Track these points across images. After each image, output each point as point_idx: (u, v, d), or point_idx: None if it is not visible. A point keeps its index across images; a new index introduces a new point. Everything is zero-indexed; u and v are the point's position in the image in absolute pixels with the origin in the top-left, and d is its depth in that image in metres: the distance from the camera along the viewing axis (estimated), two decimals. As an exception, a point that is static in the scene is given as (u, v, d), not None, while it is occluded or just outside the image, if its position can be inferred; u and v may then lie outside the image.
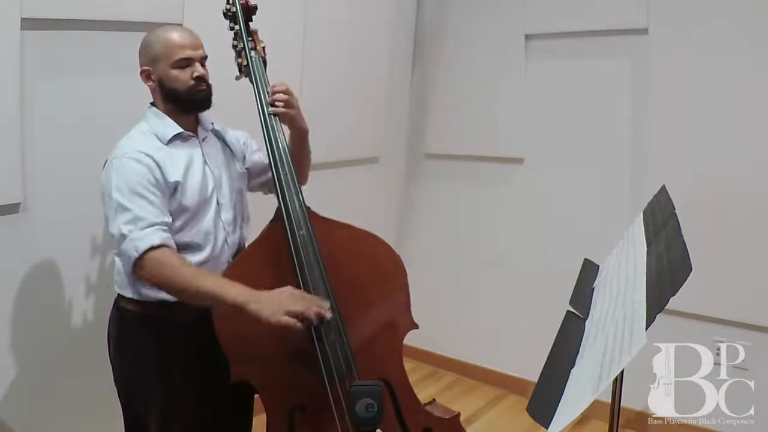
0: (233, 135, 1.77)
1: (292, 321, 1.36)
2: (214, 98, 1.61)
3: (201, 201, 1.58)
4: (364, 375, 1.54)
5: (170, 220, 1.49)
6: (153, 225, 1.43)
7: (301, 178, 1.80)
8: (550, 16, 2.84)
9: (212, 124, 1.71)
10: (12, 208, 1.81)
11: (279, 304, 1.37)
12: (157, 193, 1.47)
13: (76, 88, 1.91)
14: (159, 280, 1.42)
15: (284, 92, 1.63)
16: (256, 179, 1.81)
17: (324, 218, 1.62)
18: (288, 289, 1.43)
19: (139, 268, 1.41)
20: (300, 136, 1.73)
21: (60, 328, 1.98)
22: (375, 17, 2.99)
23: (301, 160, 1.76)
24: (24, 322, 1.87)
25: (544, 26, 2.87)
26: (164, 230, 1.45)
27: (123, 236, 1.42)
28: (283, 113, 1.64)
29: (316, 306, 1.41)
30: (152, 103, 1.61)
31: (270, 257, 1.57)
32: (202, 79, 1.56)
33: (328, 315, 1.43)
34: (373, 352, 1.64)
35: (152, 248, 1.40)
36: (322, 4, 2.66)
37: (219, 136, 1.73)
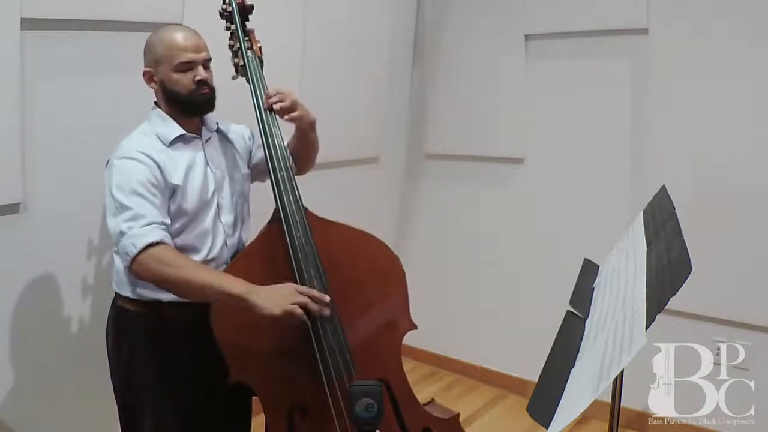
0: (237, 132, 1.77)
1: (291, 308, 1.38)
2: (212, 98, 1.60)
3: (201, 204, 1.58)
4: (362, 375, 1.54)
5: (169, 221, 1.49)
6: (152, 223, 1.43)
7: (309, 164, 1.86)
8: (550, 16, 2.83)
9: (217, 124, 1.71)
10: (12, 208, 1.80)
11: (280, 296, 1.39)
12: (157, 194, 1.47)
13: (76, 88, 1.91)
14: (157, 276, 1.41)
15: (279, 95, 1.62)
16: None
17: (321, 219, 1.62)
18: (289, 284, 1.45)
19: (137, 264, 1.40)
20: (309, 129, 1.73)
21: (60, 328, 1.97)
22: (375, 17, 2.99)
23: (310, 150, 1.81)
24: (24, 323, 1.87)
25: (544, 26, 2.87)
26: (163, 229, 1.45)
27: (122, 233, 1.41)
28: (287, 112, 1.62)
29: (317, 298, 1.43)
30: (156, 104, 1.61)
31: (267, 258, 1.57)
32: (204, 83, 1.55)
33: (326, 312, 1.45)
34: (372, 353, 1.64)
35: (151, 245, 1.40)
36: (322, 4, 2.65)
37: (223, 136, 1.73)
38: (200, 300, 1.48)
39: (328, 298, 1.46)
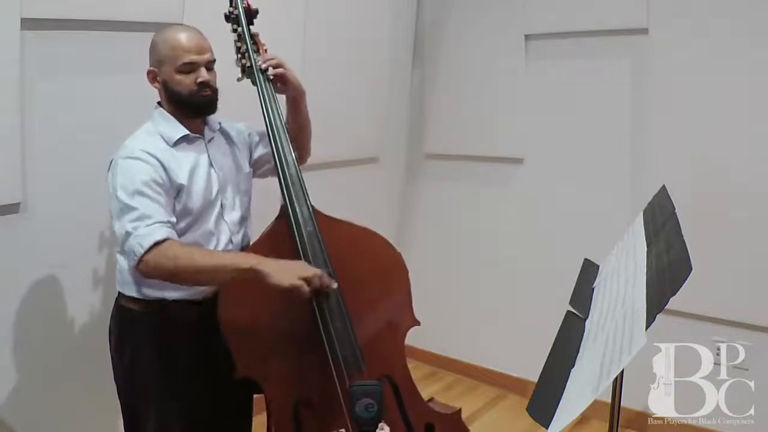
0: (238, 129, 1.78)
1: (299, 283, 1.39)
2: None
3: (205, 204, 1.58)
4: (370, 370, 1.56)
5: (175, 220, 1.50)
6: (158, 222, 1.43)
7: (305, 150, 1.86)
8: (550, 16, 2.83)
9: (219, 124, 1.71)
10: (12, 208, 1.81)
11: (289, 269, 1.41)
12: (161, 193, 1.48)
13: (76, 88, 1.91)
14: (165, 271, 1.42)
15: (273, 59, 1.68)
16: (268, 165, 1.81)
17: (328, 216, 1.65)
18: (300, 261, 1.48)
19: (145, 263, 1.41)
20: (299, 97, 1.76)
21: (61, 328, 1.97)
22: (375, 17, 2.99)
23: (303, 129, 1.81)
24: (25, 323, 1.87)
25: (544, 26, 2.87)
26: (169, 227, 1.45)
27: (128, 234, 1.42)
28: (280, 73, 1.67)
29: (324, 275, 1.45)
30: (159, 103, 1.61)
31: (275, 254, 1.57)
32: (205, 85, 1.55)
33: (333, 285, 1.47)
34: (377, 348, 1.66)
35: (157, 243, 1.40)
36: (322, 4, 2.66)
37: (226, 135, 1.73)
38: (212, 284, 1.50)
39: (335, 285, 1.48)
